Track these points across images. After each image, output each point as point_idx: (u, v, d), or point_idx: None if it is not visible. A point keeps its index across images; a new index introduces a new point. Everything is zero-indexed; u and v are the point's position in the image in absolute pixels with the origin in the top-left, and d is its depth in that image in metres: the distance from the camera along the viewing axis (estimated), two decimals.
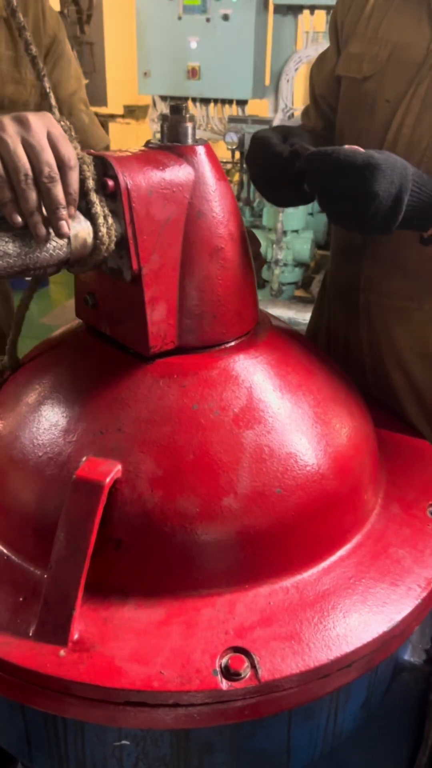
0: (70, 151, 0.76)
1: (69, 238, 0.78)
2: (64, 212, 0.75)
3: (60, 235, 0.76)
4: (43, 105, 0.90)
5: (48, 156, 0.74)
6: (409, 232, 1.06)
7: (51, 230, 0.77)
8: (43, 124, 0.74)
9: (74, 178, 0.76)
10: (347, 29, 1.25)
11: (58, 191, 0.74)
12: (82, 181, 0.79)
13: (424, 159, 1.12)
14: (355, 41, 1.22)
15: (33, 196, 0.74)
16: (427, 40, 1.12)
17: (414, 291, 1.21)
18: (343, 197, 0.93)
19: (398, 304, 1.23)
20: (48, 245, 0.76)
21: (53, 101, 0.86)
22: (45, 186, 0.74)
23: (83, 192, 0.79)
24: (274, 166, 1.02)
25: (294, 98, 4.72)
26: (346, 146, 0.95)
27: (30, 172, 0.73)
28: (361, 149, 0.93)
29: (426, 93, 1.12)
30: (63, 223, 0.76)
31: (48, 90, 0.88)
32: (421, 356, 1.25)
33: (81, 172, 0.80)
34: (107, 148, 1.54)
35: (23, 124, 0.74)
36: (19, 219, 0.74)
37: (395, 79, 1.15)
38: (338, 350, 1.38)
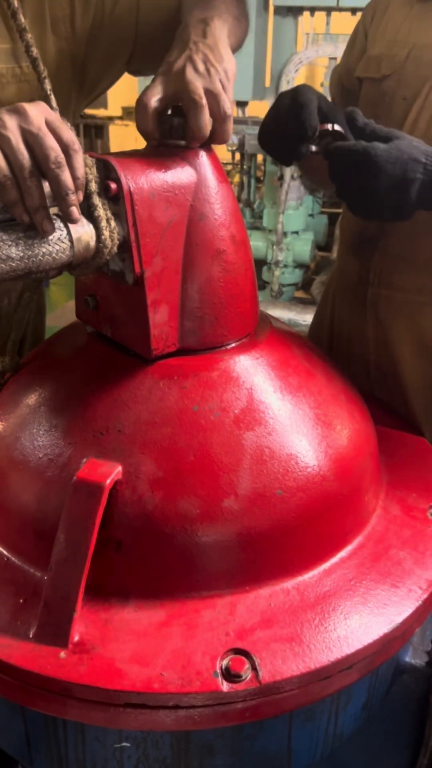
0: (72, 135, 0.75)
1: (72, 241, 0.77)
2: (73, 197, 0.75)
3: (71, 220, 0.76)
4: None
5: (51, 141, 0.73)
6: (421, 224, 1.07)
7: (55, 226, 0.76)
8: (40, 112, 0.74)
9: (80, 161, 0.76)
10: (370, 36, 1.29)
11: (67, 176, 0.74)
12: (85, 184, 0.79)
13: None
14: (375, 45, 1.25)
15: (37, 192, 0.73)
16: None
17: (423, 284, 1.22)
18: (351, 190, 0.99)
19: (407, 297, 1.24)
20: (51, 248, 0.76)
21: (54, 104, 0.86)
22: (53, 173, 0.73)
23: (86, 195, 0.79)
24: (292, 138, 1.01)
25: None
26: (350, 142, 0.97)
27: (33, 168, 0.72)
28: (363, 142, 0.96)
29: None
30: (73, 208, 0.75)
31: (48, 92, 0.87)
32: (429, 350, 1.25)
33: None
34: (90, 130, 1.46)
35: (21, 114, 0.73)
36: (27, 217, 0.74)
37: (413, 77, 1.17)
38: (341, 349, 1.38)
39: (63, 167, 0.73)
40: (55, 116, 0.75)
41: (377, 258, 1.25)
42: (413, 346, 1.26)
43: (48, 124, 0.74)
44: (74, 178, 0.75)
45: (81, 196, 0.77)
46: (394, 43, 1.22)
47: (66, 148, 0.74)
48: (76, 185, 0.75)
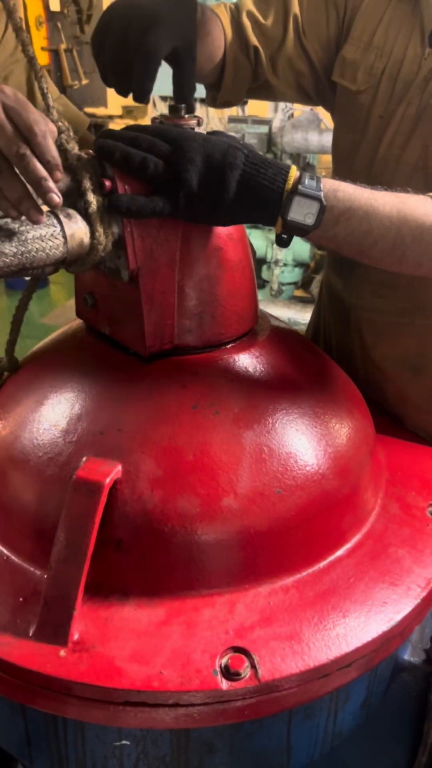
0: (34, 117, 0.72)
1: (65, 238, 0.77)
2: (49, 183, 0.72)
3: (52, 206, 0.73)
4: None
5: (8, 133, 0.70)
6: None
7: (49, 222, 0.75)
8: None
9: (46, 144, 0.72)
10: (347, 21, 1.16)
11: (35, 165, 0.71)
12: (79, 181, 0.79)
13: (412, 178, 1.12)
14: (351, 45, 1.16)
15: (16, 183, 0.72)
16: (419, 57, 1.10)
17: (405, 308, 1.21)
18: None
19: (389, 320, 1.23)
20: (44, 244, 0.76)
21: (51, 101, 0.86)
22: (19, 165, 0.71)
23: (80, 192, 0.79)
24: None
25: None
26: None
27: (2, 161, 0.71)
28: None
29: (416, 113, 1.10)
30: (52, 195, 0.72)
31: (45, 91, 0.87)
32: (413, 369, 1.25)
33: (78, 172, 0.79)
34: (90, 128, 1.47)
35: None
36: (15, 212, 0.73)
37: (388, 95, 1.13)
38: (332, 356, 1.38)
39: (27, 158, 0.71)
40: (15, 99, 0.72)
41: (357, 282, 1.24)
42: (398, 364, 1.26)
43: (6, 111, 0.70)
44: (44, 162, 0.72)
45: (59, 176, 0.74)
46: (369, 47, 1.13)
47: (28, 134, 0.71)
48: (49, 168, 0.72)
